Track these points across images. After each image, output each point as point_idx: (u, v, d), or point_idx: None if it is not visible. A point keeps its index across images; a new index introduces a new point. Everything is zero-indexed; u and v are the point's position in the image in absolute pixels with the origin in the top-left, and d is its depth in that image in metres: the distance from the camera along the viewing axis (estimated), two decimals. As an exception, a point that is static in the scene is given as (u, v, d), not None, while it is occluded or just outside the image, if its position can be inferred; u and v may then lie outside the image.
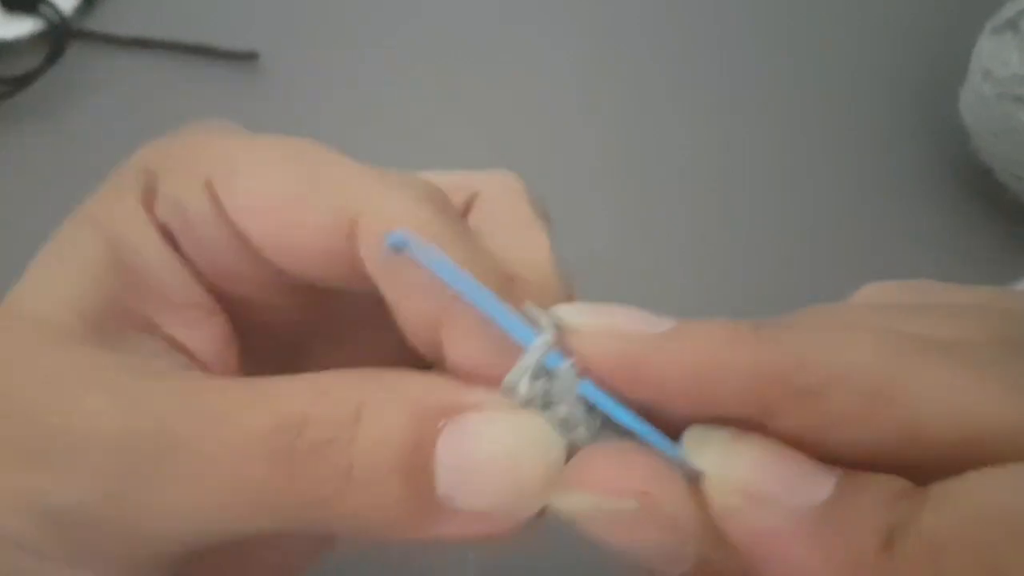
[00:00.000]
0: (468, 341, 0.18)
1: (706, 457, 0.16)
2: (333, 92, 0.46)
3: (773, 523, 0.15)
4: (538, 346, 0.17)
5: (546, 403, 0.18)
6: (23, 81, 0.43)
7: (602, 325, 0.18)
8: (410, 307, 0.19)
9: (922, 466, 0.15)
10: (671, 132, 0.45)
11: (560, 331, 0.18)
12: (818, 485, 0.16)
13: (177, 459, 0.17)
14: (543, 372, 0.18)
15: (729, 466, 0.16)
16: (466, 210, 0.23)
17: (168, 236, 0.21)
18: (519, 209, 0.23)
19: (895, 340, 0.16)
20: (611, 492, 0.16)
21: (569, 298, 0.21)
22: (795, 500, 0.15)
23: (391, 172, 0.20)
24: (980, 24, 0.41)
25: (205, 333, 0.21)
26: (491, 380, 0.18)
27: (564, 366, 0.18)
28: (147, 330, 0.21)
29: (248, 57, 0.45)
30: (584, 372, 0.17)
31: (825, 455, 0.16)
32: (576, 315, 0.18)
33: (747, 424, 0.17)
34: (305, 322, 0.24)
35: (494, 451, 0.17)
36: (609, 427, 0.18)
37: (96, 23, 0.46)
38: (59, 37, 0.44)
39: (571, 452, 0.18)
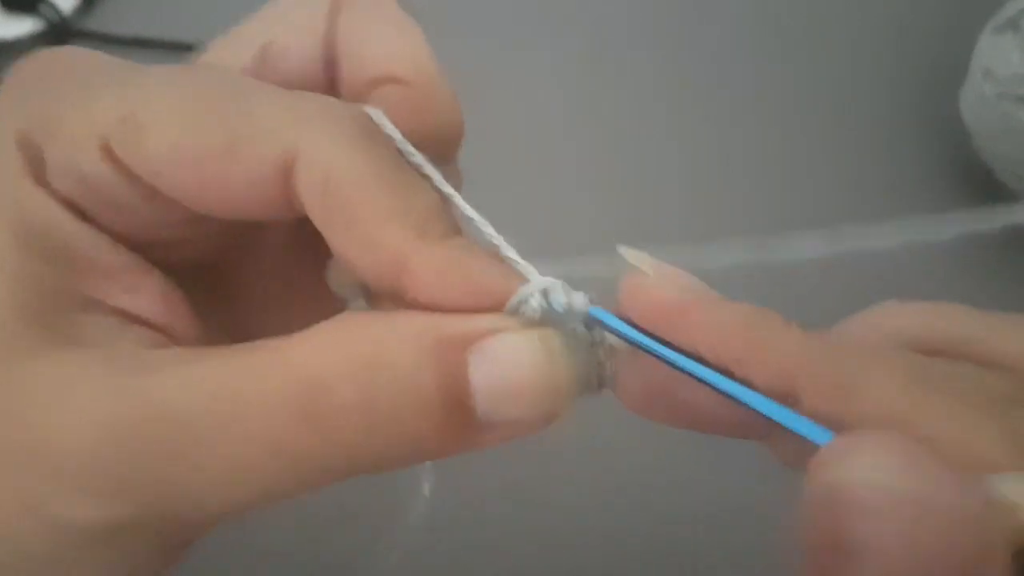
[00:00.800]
0: (438, 286, 0.18)
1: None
2: (333, 92, 0.46)
3: None
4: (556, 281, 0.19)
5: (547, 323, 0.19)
6: (23, 81, 0.43)
7: (666, 272, 0.19)
8: (364, 258, 0.19)
9: None
10: (670, 131, 0.45)
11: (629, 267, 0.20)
12: None
13: (199, 448, 0.17)
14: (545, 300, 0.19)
15: None
16: (334, 11, 0.22)
17: (72, 206, 0.19)
18: (386, 7, 0.23)
19: (921, 376, 0.17)
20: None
21: (453, 98, 0.22)
22: None
23: (309, 98, 0.19)
24: (980, 24, 0.41)
25: (148, 293, 0.20)
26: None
27: (580, 296, 0.19)
28: (91, 308, 0.19)
29: (248, 57, 0.45)
30: (623, 311, 0.19)
31: None
32: (645, 260, 0.20)
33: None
34: (230, 242, 0.23)
35: (526, 367, 0.18)
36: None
37: (96, 23, 0.46)
38: (59, 37, 0.44)
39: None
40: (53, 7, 0.45)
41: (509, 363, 0.18)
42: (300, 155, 0.18)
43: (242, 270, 0.23)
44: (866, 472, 0.15)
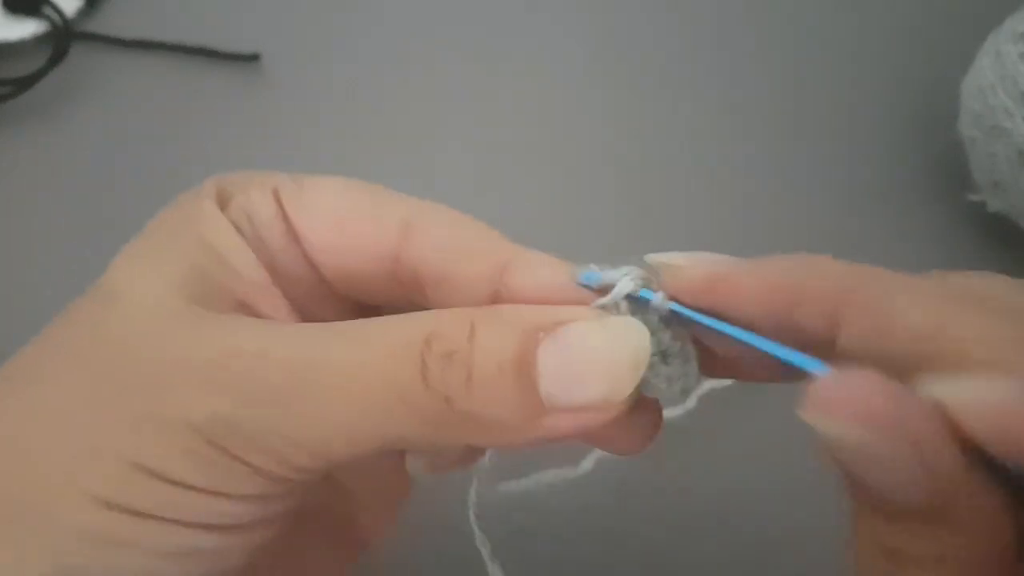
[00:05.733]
0: (536, 281, 0.22)
1: (939, 389, 0.18)
2: (334, 93, 0.46)
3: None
4: (633, 278, 0.21)
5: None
6: (26, 82, 0.43)
7: (688, 260, 0.22)
8: (471, 268, 0.23)
9: None
10: (671, 141, 0.46)
11: (662, 269, 0.22)
12: None
13: (328, 375, 0.20)
14: (633, 303, 0.21)
15: (967, 387, 0.18)
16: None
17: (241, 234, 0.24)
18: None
19: (943, 293, 0.19)
20: (878, 427, 0.17)
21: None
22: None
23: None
24: (979, 38, 0.41)
25: (285, 315, 0.24)
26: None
27: (657, 298, 0.21)
28: (235, 303, 0.23)
29: (250, 59, 0.46)
30: (674, 297, 0.21)
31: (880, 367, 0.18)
32: (672, 256, 0.22)
33: (809, 339, 0.20)
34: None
35: (586, 349, 0.20)
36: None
37: (98, 25, 0.46)
38: (62, 39, 0.44)
39: (660, 353, 0.21)
40: (56, 9, 0.45)
41: (571, 345, 0.20)
42: (421, 215, 0.23)
43: None
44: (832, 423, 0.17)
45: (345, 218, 0.24)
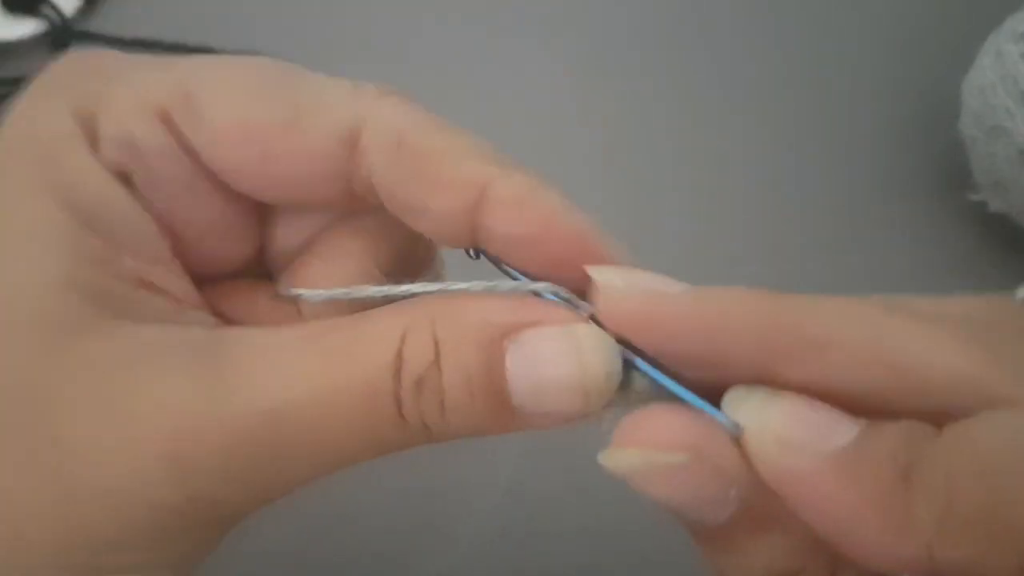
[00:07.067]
0: (518, 213, 0.19)
1: (743, 412, 0.18)
2: (334, 93, 0.46)
3: (805, 465, 0.17)
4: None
5: None
6: (25, 82, 0.43)
7: (626, 284, 0.19)
8: (443, 199, 0.19)
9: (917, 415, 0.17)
10: (670, 143, 0.46)
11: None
12: (844, 430, 0.17)
13: (294, 433, 0.18)
14: None
15: (765, 418, 0.17)
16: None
17: (121, 177, 0.20)
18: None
19: (887, 310, 0.18)
20: (664, 447, 0.17)
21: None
22: (824, 444, 0.17)
23: (360, 83, 0.20)
24: (979, 38, 0.41)
25: (175, 275, 0.20)
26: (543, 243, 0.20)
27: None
28: (136, 284, 0.20)
29: (249, 59, 0.46)
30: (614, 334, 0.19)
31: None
32: (604, 274, 0.19)
33: (755, 380, 0.18)
34: (245, 244, 0.23)
35: (557, 362, 0.18)
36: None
37: (98, 24, 0.46)
38: (61, 38, 0.44)
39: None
40: (55, 8, 0.45)
41: (539, 356, 0.18)
42: (368, 122, 0.19)
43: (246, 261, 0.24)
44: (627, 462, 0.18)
45: (267, 137, 0.19)
